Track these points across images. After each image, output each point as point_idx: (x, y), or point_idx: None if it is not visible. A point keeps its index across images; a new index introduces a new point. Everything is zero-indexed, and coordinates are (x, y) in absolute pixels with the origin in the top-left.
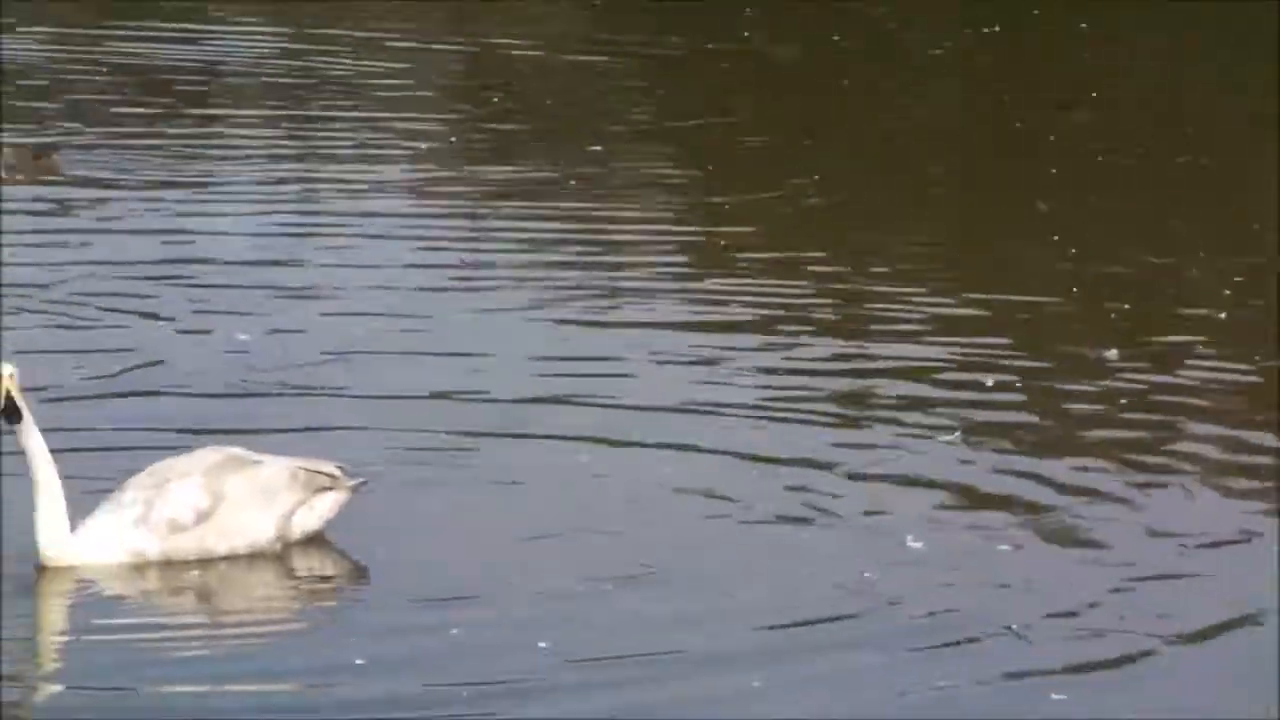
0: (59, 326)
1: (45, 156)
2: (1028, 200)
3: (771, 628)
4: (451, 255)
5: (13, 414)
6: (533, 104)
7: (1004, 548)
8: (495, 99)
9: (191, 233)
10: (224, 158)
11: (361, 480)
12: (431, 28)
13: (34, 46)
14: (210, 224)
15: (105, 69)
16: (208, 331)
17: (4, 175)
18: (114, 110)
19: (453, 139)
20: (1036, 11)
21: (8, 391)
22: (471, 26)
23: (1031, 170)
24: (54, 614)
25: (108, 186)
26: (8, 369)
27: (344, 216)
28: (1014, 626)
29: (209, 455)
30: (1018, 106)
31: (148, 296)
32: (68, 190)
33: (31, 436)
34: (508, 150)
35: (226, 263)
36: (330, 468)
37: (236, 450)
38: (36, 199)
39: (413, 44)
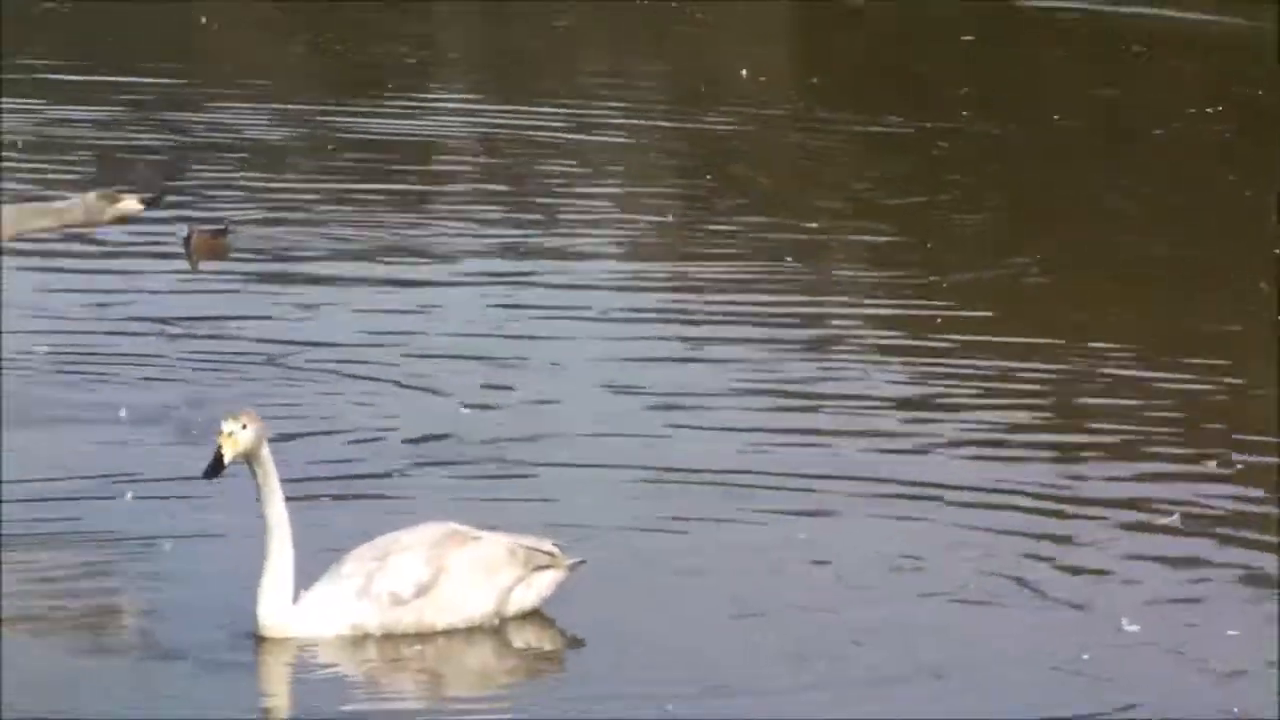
0: (279, 397)
1: (220, 236)
2: (1250, 280)
3: (981, 708)
4: (667, 330)
5: (214, 470)
6: (749, 181)
7: (1232, 632)
8: (708, 175)
9: (407, 304)
10: (441, 232)
11: (579, 560)
12: (651, 105)
13: (264, 120)
14: (426, 296)
15: (331, 144)
16: (428, 404)
17: (190, 258)
18: (334, 184)
19: (669, 215)
20: (1261, 92)
21: (220, 447)
22: (689, 103)
23: (1255, 251)
24: (276, 687)
25: (324, 260)
26: (229, 426)
27: (558, 285)
28: (1237, 711)
29: (431, 530)
30: (1242, 187)
31: (366, 367)
32: (285, 265)
33: (272, 504)
34: (724, 226)
35: (444, 335)
36: (549, 546)
37: (458, 526)
38: (259, 274)
39: (632, 120)
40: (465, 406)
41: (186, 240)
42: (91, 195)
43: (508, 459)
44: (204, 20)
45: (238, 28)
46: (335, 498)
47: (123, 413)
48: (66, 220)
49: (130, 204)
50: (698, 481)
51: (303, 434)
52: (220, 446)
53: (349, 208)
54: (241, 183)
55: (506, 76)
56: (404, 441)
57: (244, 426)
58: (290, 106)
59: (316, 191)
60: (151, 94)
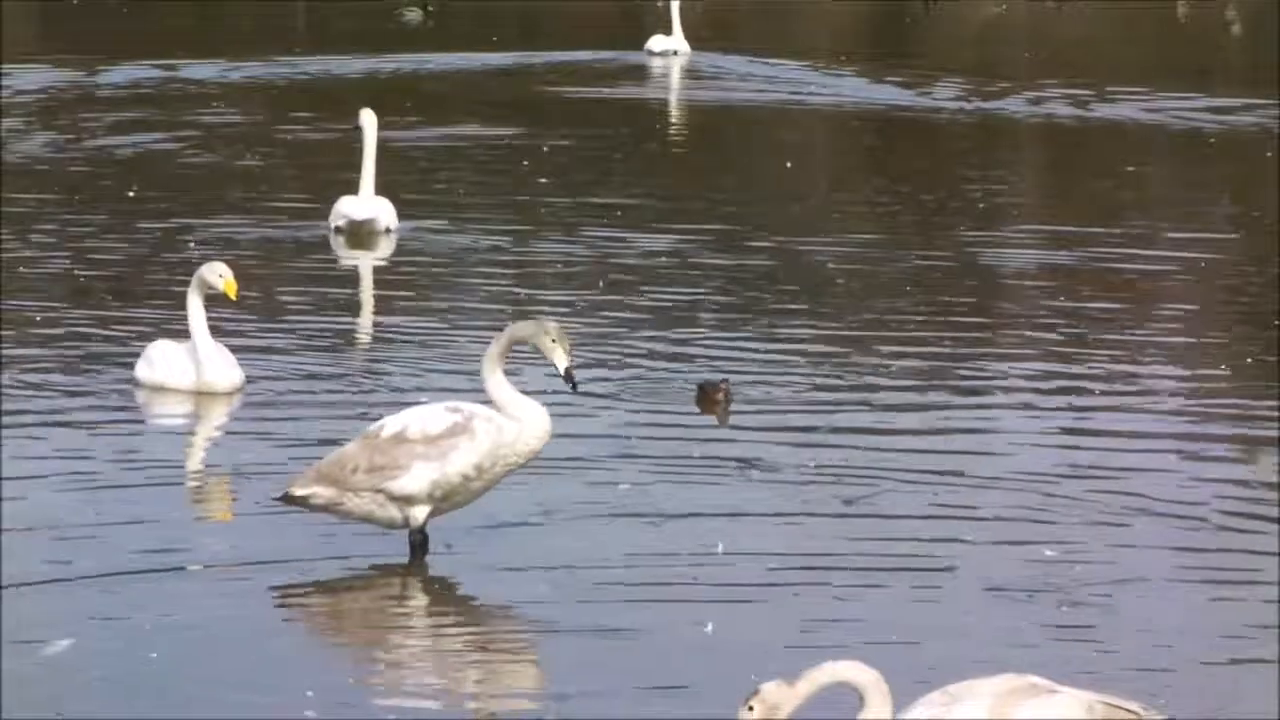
0: (830, 536)
1: (716, 391)
2: None
3: None
4: (1233, 475)
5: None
6: None
7: None
8: (1277, 323)
9: (968, 440)
10: (1002, 366)
11: (1167, 718)
12: (1223, 246)
13: (830, 255)
14: (987, 432)
15: (908, 285)
16: (1003, 547)
17: (723, 412)
18: (900, 318)
19: (1248, 359)
20: None
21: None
22: (1265, 245)
23: None
24: None
25: (888, 389)
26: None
27: (1119, 427)
28: None
29: (1007, 680)
30: None
31: (936, 498)
32: (854, 393)
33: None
34: None
35: (1010, 473)
36: (1134, 706)
37: (1036, 679)
38: (829, 401)
39: (1202, 261)
40: (1049, 548)
41: (719, 392)
42: (552, 326)
43: (1091, 604)
44: (788, 164)
45: (808, 162)
46: (906, 640)
47: (720, 548)
48: (523, 332)
49: (560, 357)
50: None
51: (868, 573)
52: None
53: (913, 340)
54: (807, 316)
55: (1073, 215)
56: (985, 589)
57: (750, 709)
58: (857, 239)
59: (884, 325)
60: (715, 229)
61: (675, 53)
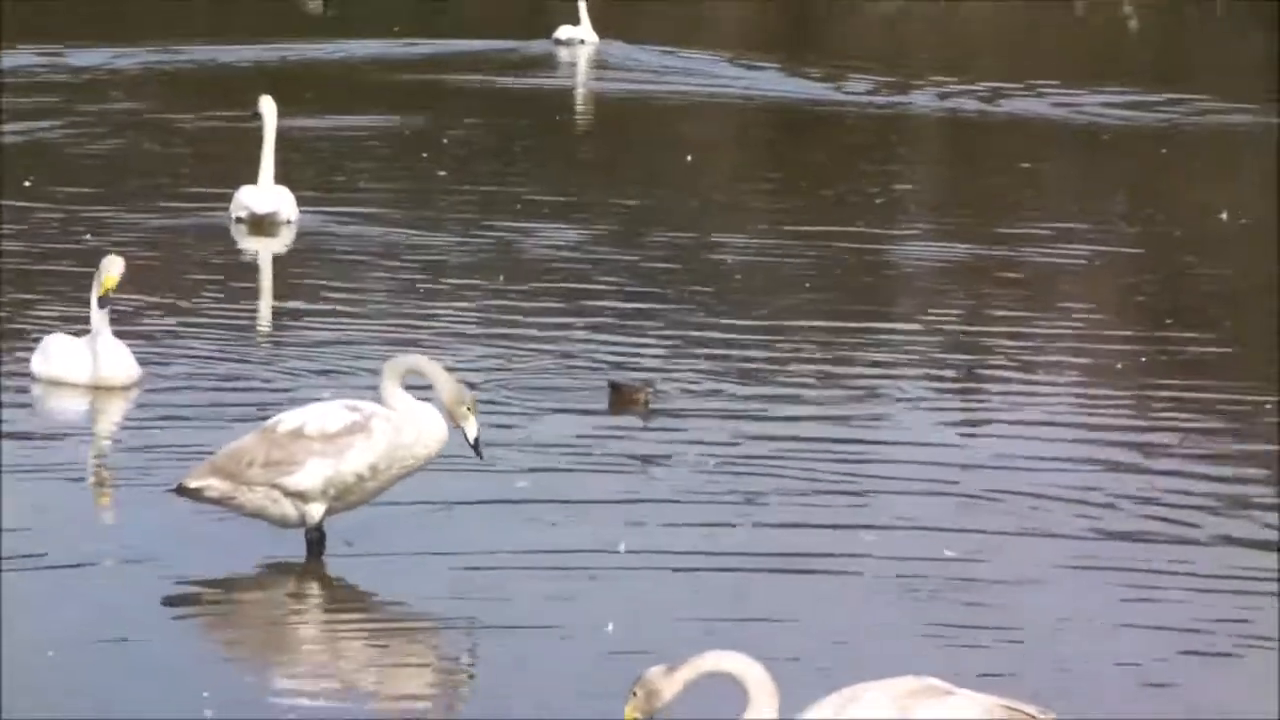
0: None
1: (637, 392)
2: None
3: None
4: (1128, 467)
5: None
6: (1218, 326)
7: None
8: (1168, 320)
9: (862, 432)
10: (897, 359)
11: None
12: (1119, 246)
13: (733, 251)
14: (882, 424)
15: (807, 282)
16: (907, 543)
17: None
18: (799, 311)
19: (1142, 358)
20: None
21: None
22: (1161, 245)
23: None
24: None
25: (791, 385)
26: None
27: (1015, 419)
28: None
29: (906, 681)
30: None
31: (834, 498)
32: (760, 386)
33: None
34: (1190, 367)
35: (909, 467)
36: (1033, 710)
37: (934, 680)
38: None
39: (1098, 261)
40: (949, 546)
41: (640, 394)
42: (469, 395)
43: (991, 603)
44: (689, 158)
45: (711, 161)
46: (805, 640)
47: (622, 546)
48: (441, 387)
49: (471, 426)
50: (1189, 630)
51: (768, 571)
52: None
53: (810, 336)
54: (707, 311)
55: (970, 212)
56: (885, 588)
57: (635, 694)
58: (757, 232)
59: (783, 319)
60: (617, 221)
61: (582, 42)
